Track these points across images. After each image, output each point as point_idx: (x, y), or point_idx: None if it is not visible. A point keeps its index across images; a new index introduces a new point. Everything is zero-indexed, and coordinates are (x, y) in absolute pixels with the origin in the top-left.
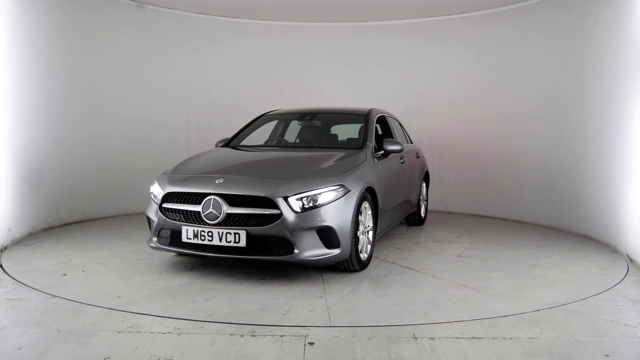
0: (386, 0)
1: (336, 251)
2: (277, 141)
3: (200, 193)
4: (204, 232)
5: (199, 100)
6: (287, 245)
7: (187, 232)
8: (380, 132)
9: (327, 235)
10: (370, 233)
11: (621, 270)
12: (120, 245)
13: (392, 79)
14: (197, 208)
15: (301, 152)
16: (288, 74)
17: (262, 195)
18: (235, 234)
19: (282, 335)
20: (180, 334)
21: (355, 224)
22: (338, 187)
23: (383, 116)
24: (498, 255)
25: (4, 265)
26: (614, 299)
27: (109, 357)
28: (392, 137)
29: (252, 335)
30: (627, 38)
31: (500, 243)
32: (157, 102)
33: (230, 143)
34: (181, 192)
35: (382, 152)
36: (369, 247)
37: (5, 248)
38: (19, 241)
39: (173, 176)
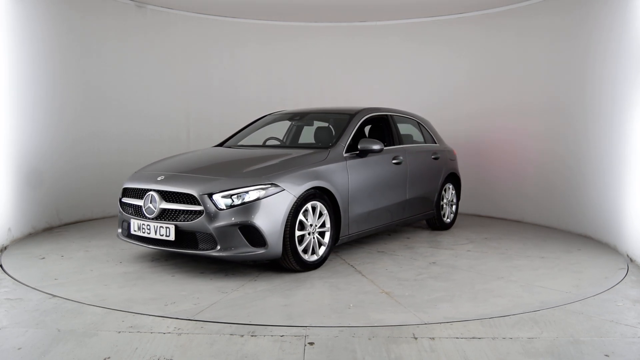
0: (386, 0)
1: (262, 249)
2: (269, 141)
3: (143, 189)
4: (144, 225)
5: (199, 100)
6: (212, 241)
7: (134, 225)
8: (379, 131)
9: (251, 233)
10: (327, 234)
11: (621, 270)
12: (119, 248)
13: (392, 79)
14: (140, 202)
15: (266, 151)
16: (288, 74)
17: (187, 192)
18: (166, 227)
19: (282, 335)
20: (180, 334)
21: (292, 224)
22: (268, 185)
23: (383, 116)
24: (486, 261)
25: (4, 265)
26: (614, 299)
27: (109, 357)
28: (392, 137)
29: (252, 335)
30: (627, 38)
31: (495, 248)
32: (157, 102)
33: (225, 142)
34: (131, 188)
35: (358, 152)
36: (324, 248)
37: (5, 248)
38: (19, 241)
39: (135, 173)
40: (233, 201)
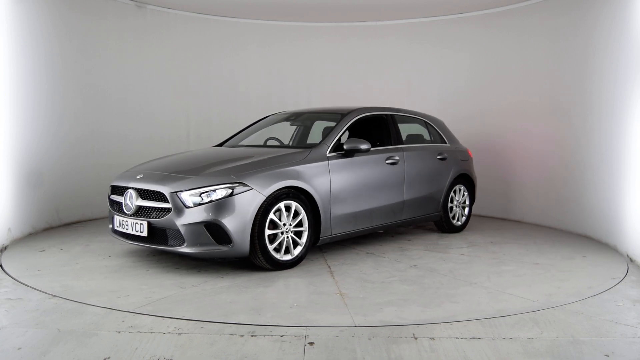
0: (386, 1)
1: (227, 247)
2: (269, 141)
3: (123, 187)
4: (124, 221)
5: (199, 100)
6: (181, 238)
7: (116, 221)
8: (375, 131)
9: (217, 231)
10: (305, 234)
11: (621, 270)
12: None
13: (392, 79)
14: (122, 199)
15: (253, 150)
16: (288, 74)
17: (157, 190)
18: (140, 224)
19: (282, 335)
20: (180, 334)
21: (261, 222)
22: (236, 184)
23: (381, 115)
24: (472, 265)
25: (4, 265)
26: (614, 299)
27: (109, 357)
28: (389, 137)
29: (252, 335)
30: (627, 38)
31: (492, 252)
32: (157, 102)
33: (225, 142)
34: (116, 185)
35: (343, 151)
36: (300, 248)
37: (5, 248)
38: (19, 241)
39: (124, 172)
40: (203, 199)
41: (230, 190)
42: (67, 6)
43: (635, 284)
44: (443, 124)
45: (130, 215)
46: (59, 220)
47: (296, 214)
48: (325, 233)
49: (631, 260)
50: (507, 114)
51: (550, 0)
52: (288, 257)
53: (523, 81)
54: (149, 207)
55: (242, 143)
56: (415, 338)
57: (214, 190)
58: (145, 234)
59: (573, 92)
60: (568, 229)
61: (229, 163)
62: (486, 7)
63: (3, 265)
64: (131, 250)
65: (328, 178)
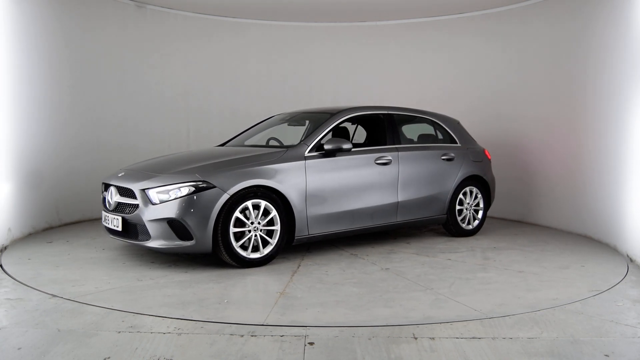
0: (386, 0)
1: (189, 243)
2: (268, 141)
3: (107, 184)
4: (107, 216)
5: (199, 100)
6: (147, 233)
7: (103, 216)
8: (371, 131)
9: (178, 227)
10: (278, 233)
11: (621, 270)
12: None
13: (392, 79)
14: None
15: (236, 149)
16: (288, 74)
17: (128, 187)
18: (117, 219)
19: (282, 335)
20: (180, 334)
21: (226, 220)
22: (200, 182)
23: (376, 115)
24: (447, 271)
25: (4, 265)
26: (614, 299)
27: (109, 357)
28: (384, 137)
29: (252, 335)
30: (628, 38)
31: (484, 259)
32: (157, 102)
33: (227, 142)
34: (105, 183)
35: (323, 151)
36: (271, 247)
37: (5, 248)
38: (19, 241)
39: (115, 171)
40: (170, 196)
41: (194, 188)
42: (67, 6)
43: (635, 284)
44: (456, 123)
45: (111, 211)
46: (59, 220)
47: (270, 212)
48: (302, 233)
49: (631, 260)
50: (506, 113)
51: (550, 0)
52: (257, 255)
53: (523, 81)
54: (125, 203)
55: (247, 143)
56: (415, 338)
57: (179, 188)
58: (120, 228)
59: (573, 91)
60: (568, 228)
61: (203, 162)
62: (486, 7)
63: (3, 265)
64: (128, 245)
65: (304, 177)
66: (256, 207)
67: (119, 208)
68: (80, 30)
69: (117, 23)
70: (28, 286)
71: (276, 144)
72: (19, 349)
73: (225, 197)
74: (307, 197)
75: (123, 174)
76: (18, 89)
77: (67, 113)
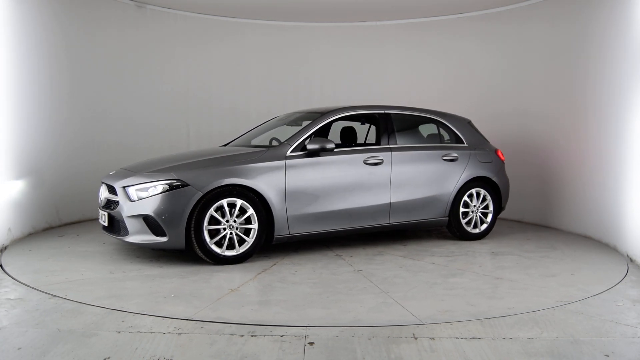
0: (386, 0)
1: (163, 239)
2: (270, 141)
3: (102, 182)
4: (100, 212)
5: (199, 100)
6: (126, 228)
7: (98, 213)
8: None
9: (153, 224)
10: (255, 232)
11: (621, 270)
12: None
13: (392, 78)
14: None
15: (226, 149)
16: (288, 74)
17: (111, 184)
18: (104, 215)
19: (282, 335)
20: (180, 334)
21: (199, 217)
22: (173, 181)
23: (374, 115)
24: (423, 275)
25: (4, 265)
26: (614, 299)
27: (109, 357)
28: (380, 137)
29: (252, 335)
30: (628, 38)
31: (471, 264)
32: (157, 102)
33: (230, 142)
34: (102, 182)
35: (306, 151)
36: (248, 245)
37: (5, 248)
38: (19, 241)
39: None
40: (150, 194)
41: (168, 187)
42: (67, 6)
43: (635, 284)
44: (466, 123)
45: (101, 207)
46: (59, 220)
47: (247, 211)
48: (282, 232)
49: (631, 260)
50: (506, 113)
51: (549, 0)
52: (232, 252)
53: (522, 81)
54: (111, 200)
55: (253, 142)
56: (415, 338)
57: (155, 186)
58: (106, 223)
59: (573, 92)
60: (568, 228)
61: (185, 160)
62: (486, 7)
63: (3, 265)
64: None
65: (283, 177)
66: (233, 205)
67: (107, 204)
68: (80, 30)
69: (117, 23)
70: (28, 286)
71: (277, 144)
72: (19, 349)
73: (198, 195)
74: (287, 196)
75: (114, 172)
76: (18, 89)
77: (67, 113)
